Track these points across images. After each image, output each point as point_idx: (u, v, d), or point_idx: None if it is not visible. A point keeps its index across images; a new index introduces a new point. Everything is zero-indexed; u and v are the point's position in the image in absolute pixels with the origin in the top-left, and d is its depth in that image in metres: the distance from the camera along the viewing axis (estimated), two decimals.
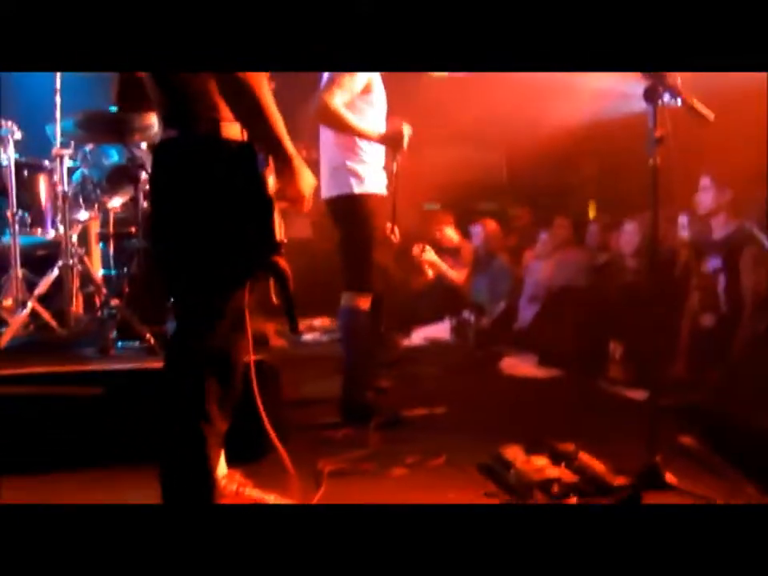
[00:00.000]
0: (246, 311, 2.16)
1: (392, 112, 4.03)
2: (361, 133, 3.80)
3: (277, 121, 2.03)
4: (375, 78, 3.90)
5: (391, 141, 3.92)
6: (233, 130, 2.12)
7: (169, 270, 2.25)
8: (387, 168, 4.07)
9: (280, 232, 2.08)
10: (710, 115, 2.66)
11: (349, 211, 3.89)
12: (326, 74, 3.72)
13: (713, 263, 4.60)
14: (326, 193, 3.92)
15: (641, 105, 2.76)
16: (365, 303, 3.91)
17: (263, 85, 2.01)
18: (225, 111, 2.10)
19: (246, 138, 2.12)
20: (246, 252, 2.11)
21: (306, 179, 2.13)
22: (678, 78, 2.66)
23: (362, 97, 3.81)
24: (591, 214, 8.29)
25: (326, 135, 3.98)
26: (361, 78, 3.75)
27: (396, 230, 4.10)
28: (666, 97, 2.69)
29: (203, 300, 2.15)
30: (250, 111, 2.03)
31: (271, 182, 2.05)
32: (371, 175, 3.91)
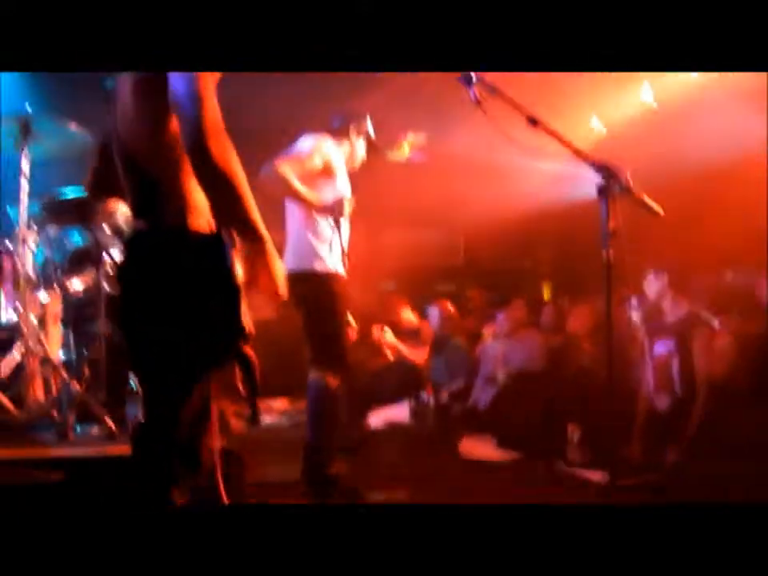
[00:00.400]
0: (211, 401, 2.16)
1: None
2: (302, 198, 3.88)
3: (250, 207, 2.02)
4: (338, 165, 4.00)
5: (332, 210, 3.98)
6: (201, 221, 2.11)
7: (135, 359, 2.25)
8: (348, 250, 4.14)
9: (247, 322, 2.09)
10: (660, 210, 2.78)
11: (310, 289, 3.95)
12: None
13: (666, 346, 4.72)
14: (287, 266, 3.95)
15: (593, 189, 2.86)
16: (332, 380, 3.94)
17: (238, 171, 2.01)
18: (193, 201, 2.10)
19: (214, 228, 2.14)
20: (213, 343, 2.13)
21: (278, 269, 2.11)
22: (628, 173, 2.79)
23: (324, 179, 3.91)
24: (546, 295, 8.45)
25: (292, 214, 4.06)
26: (316, 158, 3.87)
27: (351, 318, 4.13)
28: (618, 190, 2.80)
29: (169, 389, 2.15)
30: (223, 198, 2.04)
31: (240, 272, 2.08)
32: (332, 255, 3.98)
